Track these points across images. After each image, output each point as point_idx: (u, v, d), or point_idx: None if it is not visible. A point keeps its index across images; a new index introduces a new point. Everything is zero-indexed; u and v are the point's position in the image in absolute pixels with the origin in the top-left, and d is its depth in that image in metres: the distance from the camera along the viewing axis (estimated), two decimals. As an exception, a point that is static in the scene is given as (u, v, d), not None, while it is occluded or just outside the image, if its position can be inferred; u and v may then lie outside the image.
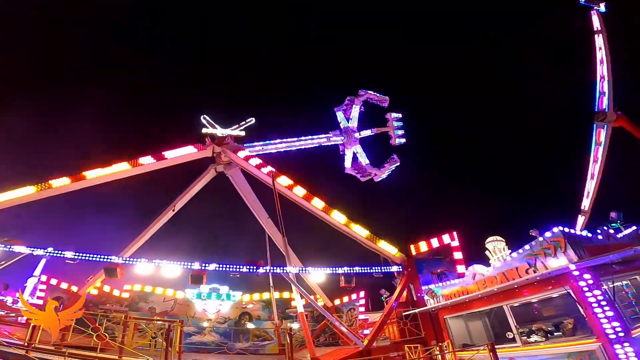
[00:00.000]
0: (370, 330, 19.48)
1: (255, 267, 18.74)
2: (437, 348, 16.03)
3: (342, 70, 63.53)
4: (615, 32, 24.94)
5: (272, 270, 20.00)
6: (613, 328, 11.34)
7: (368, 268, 20.20)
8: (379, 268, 20.48)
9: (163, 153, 23.81)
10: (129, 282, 24.83)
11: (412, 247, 21.54)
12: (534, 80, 52.66)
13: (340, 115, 30.04)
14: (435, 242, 21.01)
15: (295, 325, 24.60)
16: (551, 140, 46.62)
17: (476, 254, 20.57)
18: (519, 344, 14.03)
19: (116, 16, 61.04)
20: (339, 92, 29.98)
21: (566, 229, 13.28)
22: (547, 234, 13.38)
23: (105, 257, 18.22)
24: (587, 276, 12.26)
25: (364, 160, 29.56)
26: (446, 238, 20.83)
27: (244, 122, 27.64)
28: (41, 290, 22.07)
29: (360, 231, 21.76)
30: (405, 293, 20.34)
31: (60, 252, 17.59)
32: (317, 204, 22.17)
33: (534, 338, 13.79)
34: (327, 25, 70.93)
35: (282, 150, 28.18)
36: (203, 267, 18.53)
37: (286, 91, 75.49)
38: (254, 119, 27.83)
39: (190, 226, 41.83)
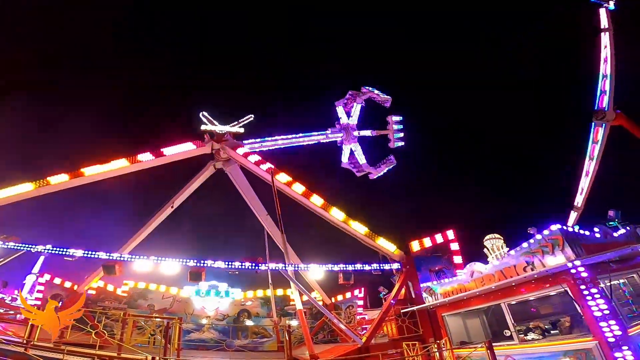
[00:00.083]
0: (369, 328, 19.56)
1: (254, 265, 18.76)
2: (435, 345, 16.09)
3: (342, 70, 63.43)
4: (623, 30, 24.84)
5: (271, 268, 20.01)
6: (609, 326, 11.38)
7: (367, 265, 20.27)
8: (377, 265, 20.53)
9: (162, 150, 23.76)
10: (127, 279, 24.91)
11: (410, 244, 21.60)
12: (533, 80, 52.79)
13: (340, 110, 29.93)
14: (433, 240, 21.09)
15: (294, 323, 24.70)
16: (550, 139, 46.70)
17: (474, 252, 20.64)
18: (516, 341, 14.08)
19: (116, 15, 60.75)
20: (339, 90, 29.85)
21: (564, 227, 13.31)
22: (545, 232, 13.37)
23: (104, 254, 18.21)
24: (584, 274, 12.29)
25: (361, 159, 29.60)
26: (445, 236, 20.94)
27: (242, 119, 27.60)
28: (40, 283, 22.14)
29: (359, 228, 21.77)
30: (403, 290, 20.39)
31: (60, 249, 17.58)
32: (316, 200, 22.18)
33: (531, 336, 13.84)
34: (327, 25, 70.83)
35: (281, 147, 28.18)
36: (202, 264, 18.54)
37: (285, 88, 75.37)
38: (252, 115, 27.82)
39: (189, 223, 41.90)
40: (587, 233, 14.02)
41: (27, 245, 17.69)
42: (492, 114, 53.61)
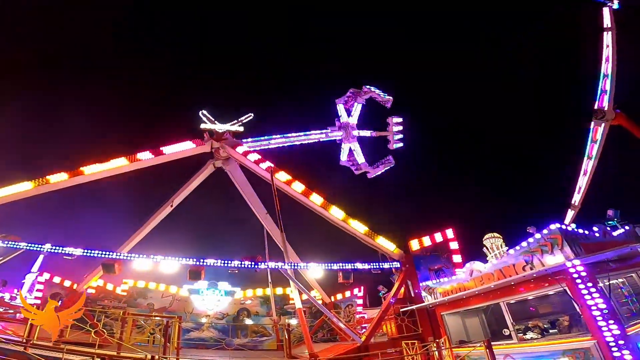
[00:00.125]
0: (368, 326, 19.59)
1: (254, 263, 18.78)
2: (434, 344, 16.14)
3: (342, 70, 63.33)
4: (624, 29, 24.78)
5: (270, 266, 20.03)
6: (608, 325, 11.39)
7: (366, 264, 20.29)
8: (377, 264, 20.56)
9: (161, 148, 23.75)
10: (127, 278, 24.91)
11: (410, 243, 21.64)
12: (533, 80, 52.79)
13: (340, 108, 29.92)
14: (433, 239, 21.14)
15: (293, 321, 24.73)
16: (550, 138, 46.72)
17: (474, 251, 20.66)
18: (515, 340, 14.10)
19: (116, 15, 60.69)
20: (339, 90, 29.84)
21: (563, 226, 13.32)
22: (544, 231, 13.37)
23: (104, 252, 18.21)
24: (583, 273, 12.30)
25: (359, 158, 29.65)
26: (444, 234, 20.98)
27: (242, 118, 27.58)
28: (39, 282, 22.15)
29: (358, 227, 21.81)
30: (403, 289, 20.43)
31: (59, 248, 17.57)
32: (316, 199, 22.19)
33: (530, 335, 13.86)
34: (327, 25, 70.72)
35: (281, 145, 28.19)
36: (201, 263, 18.55)
37: (286, 88, 75.41)
38: (252, 114, 27.81)
39: (189, 222, 41.89)
40: (586, 232, 14.03)
41: (26, 244, 17.69)
42: (492, 113, 53.69)
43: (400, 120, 28.97)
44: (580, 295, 12.20)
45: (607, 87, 23.75)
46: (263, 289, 27.25)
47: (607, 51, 24.37)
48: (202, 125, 26.35)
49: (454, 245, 20.71)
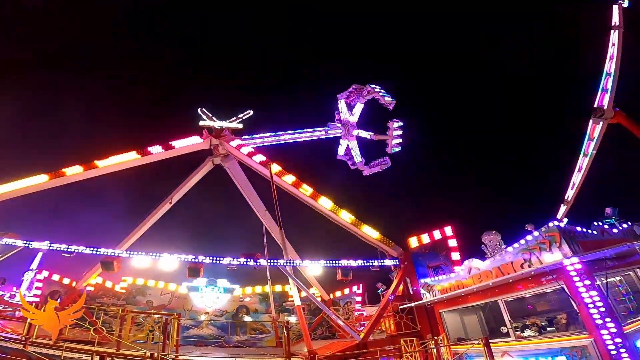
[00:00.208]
0: (367, 324, 19.65)
1: (253, 260, 18.80)
2: (433, 342, 16.20)
3: (342, 70, 63.21)
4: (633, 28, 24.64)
5: (270, 263, 20.05)
6: (605, 324, 11.45)
7: (365, 261, 20.33)
8: (376, 261, 20.60)
9: (171, 143, 24.12)
10: (126, 276, 24.93)
11: (409, 240, 21.68)
12: (532, 79, 52.79)
13: (342, 104, 29.80)
14: (432, 236, 21.20)
15: (292, 319, 24.79)
16: (550, 138, 46.76)
17: (472, 248, 20.69)
18: (512, 338, 14.17)
19: (117, 14, 60.57)
20: (339, 89, 29.70)
21: (561, 224, 13.33)
22: (543, 229, 13.40)
23: (104, 250, 18.22)
24: (581, 271, 12.35)
25: (357, 157, 29.69)
26: (443, 232, 21.02)
27: (241, 115, 27.49)
28: (38, 280, 22.14)
29: (359, 226, 21.83)
30: (401, 287, 20.50)
31: (58, 245, 17.57)
32: (325, 203, 22.25)
33: (527, 333, 13.93)
34: (327, 24, 70.62)
35: (280, 143, 28.15)
36: (200, 260, 18.57)
37: (285, 87, 75.34)
38: (251, 111, 27.70)
39: (188, 219, 41.90)
40: (584, 230, 14.05)
41: (25, 242, 17.70)
42: (490, 110, 53.69)
43: (401, 124, 28.84)
44: (577, 293, 12.26)
45: (609, 86, 23.64)
46: (262, 286, 27.29)
47: (613, 50, 24.18)
48: (201, 122, 26.25)
49: (452, 242, 20.76)
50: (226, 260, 18.64)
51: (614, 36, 24.36)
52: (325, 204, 22.15)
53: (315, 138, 29.40)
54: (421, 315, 19.07)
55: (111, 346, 13.95)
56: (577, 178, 27.16)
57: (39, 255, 26.70)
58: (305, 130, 28.86)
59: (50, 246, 17.46)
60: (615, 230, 15.35)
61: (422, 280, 19.17)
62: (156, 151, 23.57)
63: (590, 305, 11.85)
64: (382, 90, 28.41)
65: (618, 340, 11.14)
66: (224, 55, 73.96)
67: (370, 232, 21.71)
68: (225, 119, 26.83)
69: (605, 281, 12.47)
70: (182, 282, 25.70)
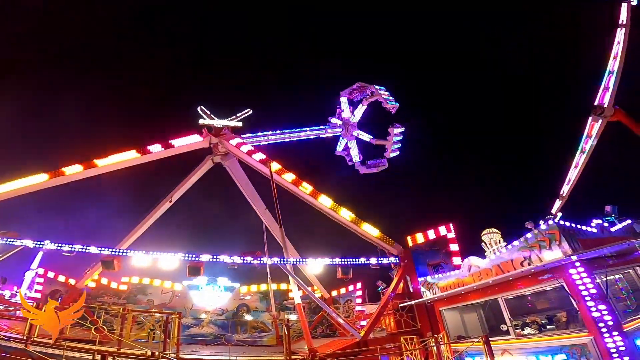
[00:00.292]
0: (367, 322, 19.69)
1: (253, 259, 18.82)
2: (433, 340, 16.23)
3: (342, 69, 63.22)
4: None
5: (270, 262, 20.07)
6: (605, 322, 11.48)
7: (365, 259, 20.36)
8: (376, 259, 20.62)
9: (170, 141, 24.09)
10: (126, 275, 24.95)
11: (408, 238, 21.68)
12: (532, 79, 52.75)
13: (344, 101, 29.72)
14: (431, 234, 21.15)
15: (292, 317, 24.84)
16: (550, 138, 46.76)
17: (472, 246, 20.70)
18: (512, 336, 14.21)
19: (117, 14, 60.43)
20: (339, 88, 29.70)
21: (561, 222, 13.35)
22: (542, 227, 13.41)
23: (103, 249, 18.23)
24: (580, 269, 12.37)
25: (355, 157, 29.75)
26: (443, 230, 20.98)
27: (240, 113, 27.44)
28: (39, 283, 22.15)
29: (359, 224, 21.84)
30: (401, 285, 20.52)
31: (59, 244, 17.58)
32: (325, 201, 22.26)
33: (527, 331, 13.96)
34: (327, 24, 70.53)
35: (280, 141, 28.14)
36: (200, 259, 18.58)
37: (285, 86, 75.20)
38: (250, 110, 27.65)
39: (188, 218, 41.92)
40: (584, 228, 14.07)
41: (25, 241, 17.72)
42: (490, 109, 53.66)
43: (401, 130, 28.80)
44: (577, 291, 12.28)
45: (611, 85, 23.54)
46: (261, 285, 27.30)
47: (617, 48, 24.02)
48: (201, 121, 26.21)
49: (452, 240, 20.73)
50: (227, 259, 18.65)
51: (620, 34, 24.17)
52: (325, 202, 22.18)
53: (315, 136, 29.42)
54: (421, 313, 19.10)
55: (112, 345, 14.00)
56: (573, 174, 27.21)
57: (40, 254, 26.74)
58: (305, 129, 28.88)
59: (50, 245, 17.47)
60: (614, 228, 15.37)
61: (422, 278, 19.19)
62: (156, 150, 23.53)
63: (590, 303, 11.87)
64: (386, 94, 28.35)
65: (618, 338, 11.17)
66: (223, 54, 73.94)
67: (370, 230, 21.77)
68: (225, 118, 26.78)
69: (605, 279, 12.48)
70: (182, 280, 25.71)
